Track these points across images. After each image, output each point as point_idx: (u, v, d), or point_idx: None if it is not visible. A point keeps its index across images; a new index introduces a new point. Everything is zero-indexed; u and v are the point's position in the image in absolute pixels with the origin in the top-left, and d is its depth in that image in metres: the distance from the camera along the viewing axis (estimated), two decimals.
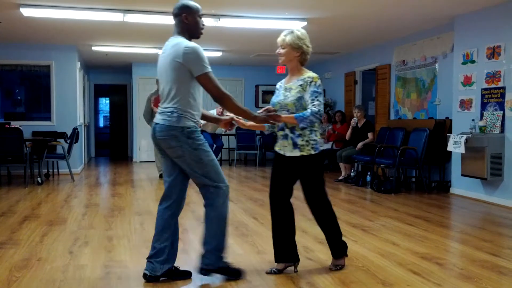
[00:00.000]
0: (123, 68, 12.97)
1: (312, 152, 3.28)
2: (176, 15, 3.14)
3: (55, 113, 9.40)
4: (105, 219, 5.14)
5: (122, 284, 3.14)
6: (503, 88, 6.02)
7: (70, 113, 9.46)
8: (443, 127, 7.10)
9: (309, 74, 3.31)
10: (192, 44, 3.02)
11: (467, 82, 6.60)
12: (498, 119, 6.07)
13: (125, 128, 14.38)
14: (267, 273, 3.34)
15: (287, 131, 3.30)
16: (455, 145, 6.14)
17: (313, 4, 6.19)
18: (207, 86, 3.02)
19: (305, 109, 3.24)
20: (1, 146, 7.38)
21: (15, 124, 8.34)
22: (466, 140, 5.98)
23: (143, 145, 12.09)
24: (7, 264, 3.54)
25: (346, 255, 3.50)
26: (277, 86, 3.49)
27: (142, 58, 11.13)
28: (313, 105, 3.20)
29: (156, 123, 3.08)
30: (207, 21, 6.83)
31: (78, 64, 9.75)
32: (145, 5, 6.25)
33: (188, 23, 3.11)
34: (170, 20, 6.99)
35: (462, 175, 6.44)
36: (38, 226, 4.78)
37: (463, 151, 6.05)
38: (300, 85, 3.27)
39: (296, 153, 3.27)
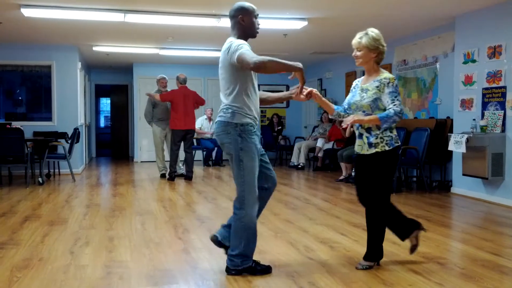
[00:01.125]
0: (124, 68, 12.98)
1: (386, 148, 3.33)
2: (232, 16, 3.26)
3: (56, 113, 9.41)
4: (106, 219, 5.15)
5: (123, 284, 3.14)
6: (504, 87, 6.01)
7: (71, 113, 9.46)
8: (444, 127, 7.10)
9: (385, 75, 3.35)
10: (232, 39, 3.17)
11: (468, 81, 6.59)
12: (499, 119, 6.06)
13: (126, 128, 14.38)
14: (357, 268, 3.41)
15: (362, 130, 3.39)
16: (456, 145, 6.14)
17: (314, 4, 6.19)
18: (243, 65, 3.01)
19: (381, 110, 3.30)
20: (2, 146, 7.38)
21: (16, 124, 8.34)
22: (467, 140, 5.97)
23: (144, 145, 12.10)
24: (8, 264, 3.54)
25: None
26: (353, 84, 3.57)
27: (143, 58, 11.14)
28: (394, 105, 3.25)
29: (216, 121, 3.24)
30: (207, 21, 6.88)
31: (79, 64, 9.75)
32: (146, 6, 6.25)
33: (245, 24, 3.23)
34: (170, 21, 7.06)
35: (463, 174, 6.43)
36: (39, 226, 4.78)
37: (464, 151, 6.04)
38: (377, 87, 3.32)
39: (372, 150, 3.34)
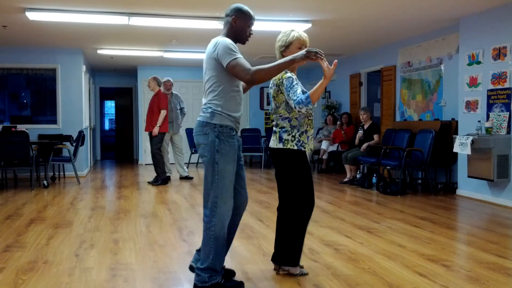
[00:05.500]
0: (128, 71, 13.01)
1: (295, 147, 3.20)
2: (226, 15, 3.08)
3: (61, 116, 9.44)
4: (111, 222, 5.15)
5: (128, 286, 3.15)
6: (509, 89, 5.99)
7: (76, 116, 9.50)
8: (449, 129, 7.07)
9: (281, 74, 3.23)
10: (221, 39, 2.95)
11: (473, 83, 6.57)
12: (504, 120, 6.04)
13: (131, 131, 14.41)
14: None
15: (276, 129, 3.31)
16: (461, 147, 6.12)
17: (318, 6, 6.19)
18: (236, 74, 2.85)
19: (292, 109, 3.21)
20: (8, 149, 7.42)
21: (21, 127, 8.38)
22: (472, 142, 5.95)
23: (148, 148, 12.08)
24: (14, 266, 3.55)
25: (294, 266, 3.31)
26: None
27: (147, 61, 11.17)
28: (292, 100, 3.09)
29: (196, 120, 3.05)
30: (211, 24, 6.89)
31: (84, 67, 9.78)
32: (150, 9, 6.26)
33: (235, 27, 3.05)
34: (174, 23, 7.06)
35: (469, 176, 6.41)
36: (44, 229, 4.80)
37: (470, 153, 6.02)
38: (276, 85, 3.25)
39: (280, 145, 3.24)
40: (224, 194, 2.91)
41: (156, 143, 8.24)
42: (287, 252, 3.29)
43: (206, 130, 2.92)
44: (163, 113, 8.16)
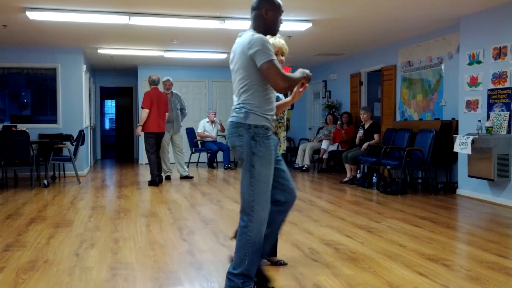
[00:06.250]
0: (129, 70, 13.01)
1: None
2: (254, 8, 2.90)
3: (61, 116, 9.44)
4: (111, 221, 5.15)
5: (128, 286, 3.15)
6: (510, 88, 5.98)
7: (76, 115, 9.50)
8: (450, 128, 7.07)
9: None
10: (257, 34, 2.78)
11: (473, 82, 6.57)
12: (504, 120, 6.04)
13: (131, 130, 14.41)
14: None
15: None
16: (462, 146, 6.12)
17: (318, 6, 6.19)
18: (270, 77, 2.71)
19: None
20: (8, 148, 7.42)
21: (21, 127, 8.37)
22: (473, 141, 5.95)
23: None
24: (14, 266, 3.55)
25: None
26: None
27: (148, 60, 11.17)
28: None
29: (228, 121, 2.91)
30: (212, 24, 6.89)
31: (84, 67, 9.79)
32: (150, 8, 6.26)
33: (267, 19, 2.88)
34: (175, 23, 7.05)
35: (469, 176, 6.40)
36: (44, 228, 4.80)
37: (470, 152, 6.02)
38: None
39: None
40: (261, 199, 2.77)
41: (145, 143, 8.13)
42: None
43: (240, 131, 2.77)
44: (142, 112, 8.01)
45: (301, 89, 3.04)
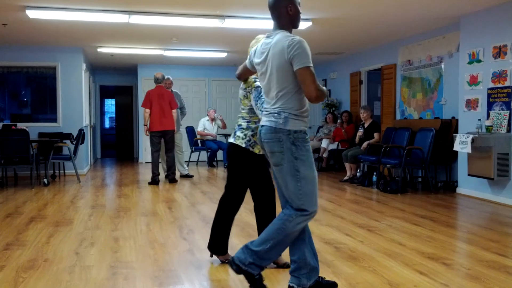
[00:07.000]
0: (129, 69, 13.01)
1: (243, 145, 3.35)
2: (275, 7, 2.86)
3: (61, 115, 9.44)
4: (111, 220, 5.16)
5: (128, 284, 3.15)
6: (510, 87, 5.98)
7: (76, 114, 9.50)
8: (449, 127, 7.07)
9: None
10: (296, 37, 2.74)
11: (473, 81, 6.57)
12: (504, 119, 6.04)
13: (131, 129, 14.42)
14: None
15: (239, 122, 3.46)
16: (462, 145, 6.12)
17: (318, 5, 6.18)
18: (305, 83, 2.66)
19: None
20: (8, 147, 7.42)
21: (21, 125, 8.38)
22: (473, 140, 5.95)
23: (148, 146, 12.03)
24: (14, 264, 3.56)
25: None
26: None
27: (147, 59, 11.17)
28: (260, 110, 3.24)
29: (262, 125, 2.86)
30: (212, 22, 6.88)
31: (84, 66, 9.78)
32: (150, 7, 6.26)
33: (292, 15, 2.84)
34: (174, 22, 7.05)
35: (469, 175, 6.41)
36: (44, 227, 4.80)
37: (470, 151, 6.02)
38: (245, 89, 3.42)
39: (232, 140, 3.43)
40: (310, 200, 2.76)
41: (149, 142, 8.22)
42: (219, 241, 3.55)
43: (280, 137, 2.74)
44: (144, 112, 8.14)
45: None
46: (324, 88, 2.77)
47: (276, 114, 2.77)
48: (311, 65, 2.68)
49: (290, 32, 2.85)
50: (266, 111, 2.86)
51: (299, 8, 2.89)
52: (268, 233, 2.81)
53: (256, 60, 2.97)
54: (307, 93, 2.69)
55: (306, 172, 2.74)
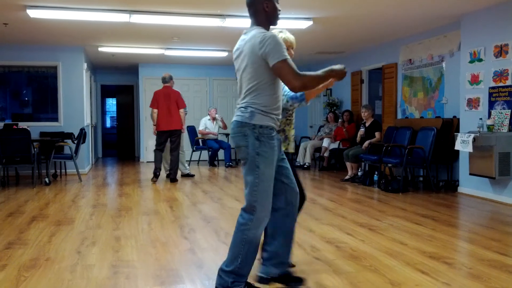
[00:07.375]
0: (130, 68, 13.01)
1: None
2: (252, 4, 2.86)
3: (62, 114, 9.45)
4: (113, 219, 5.16)
5: (129, 283, 3.15)
6: (511, 86, 5.97)
7: (77, 113, 9.50)
8: (451, 126, 7.07)
9: None
10: (268, 33, 2.73)
11: (475, 80, 6.56)
12: (506, 118, 6.03)
13: (132, 129, 14.42)
14: None
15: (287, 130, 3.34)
16: (463, 144, 6.11)
17: (319, 4, 6.18)
18: (283, 76, 2.66)
19: None
20: (9, 147, 7.43)
21: (22, 125, 8.38)
22: (474, 139, 5.95)
23: (150, 145, 12.09)
24: (16, 264, 3.56)
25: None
26: None
27: (149, 58, 11.16)
28: None
29: (232, 121, 2.86)
30: (213, 22, 6.88)
31: (85, 65, 9.79)
32: (151, 6, 6.26)
33: (268, 11, 2.83)
34: (175, 21, 7.05)
35: (470, 174, 6.40)
36: (46, 226, 4.80)
37: (471, 150, 6.01)
38: None
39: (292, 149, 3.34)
40: (264, 199, 2.75)
41: (156, 140, 8.32)
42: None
43: (245, 131, 2.74)
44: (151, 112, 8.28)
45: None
46: (312, 73, 2.71)
47: (243, 109, 2.78)
48: (286, 57, 2.66)
49: (267, 29, 2.82)
50: (236, 107, 2.87)
51: (277, 5, 2.87)
52: (234, 250, 2.79)
53: (234, 57, 2.95)
54: (287, 85, 2.69)
55: (265, 169, 2.73)
